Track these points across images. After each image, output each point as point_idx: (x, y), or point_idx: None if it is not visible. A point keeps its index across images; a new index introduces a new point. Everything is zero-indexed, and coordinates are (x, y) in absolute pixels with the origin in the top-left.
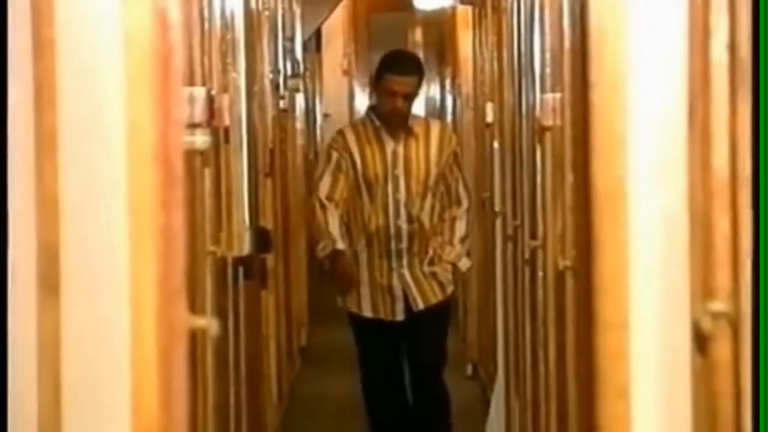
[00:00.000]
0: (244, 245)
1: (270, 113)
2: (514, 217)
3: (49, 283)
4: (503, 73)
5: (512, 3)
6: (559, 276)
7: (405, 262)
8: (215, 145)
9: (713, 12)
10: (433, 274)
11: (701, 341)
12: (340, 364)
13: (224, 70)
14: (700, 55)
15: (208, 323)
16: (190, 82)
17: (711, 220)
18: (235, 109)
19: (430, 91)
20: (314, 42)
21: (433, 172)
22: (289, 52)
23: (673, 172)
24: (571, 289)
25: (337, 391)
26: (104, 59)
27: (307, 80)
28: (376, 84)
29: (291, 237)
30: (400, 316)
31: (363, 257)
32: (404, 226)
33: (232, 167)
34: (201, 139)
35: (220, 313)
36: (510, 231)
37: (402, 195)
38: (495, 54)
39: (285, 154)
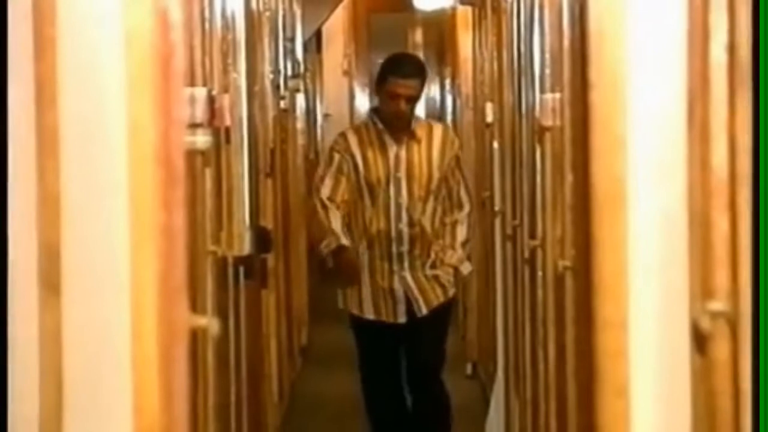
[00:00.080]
0: (244, 245)
1: (271, 113)
2: (514, 217)
3: (50, 282)
4: (503, 73)
5: (512, 3)
6: (559, 275)
7: (406, 265)
8: (216, 145)
9: (712, 13)
10: (435, 277)
11: (700, 340)
12: (340, 364)
13: (225, 71)
14: (699, 55)
15: (209, 323)
16: (191, 83)
17: (710, 219)
18: (236, 110)
19: (430, 91)
20: (315, 42)
21: (436, 175)
22: (290, 52)
23: (672, 172)
24: (570, 289)
25: (337, 390)
26: (105, 59)
27: (308, 80)
28: (379, 86)
29: (291, 237)
30: (402, 319)
31: (364, 259)
32: (405, 230)
33: (233, 167)
34: (202, 139)
35: (221, 312)
36: (509, 230)
37: (404, 198)
38: (495, 54)
39: (286, 154)
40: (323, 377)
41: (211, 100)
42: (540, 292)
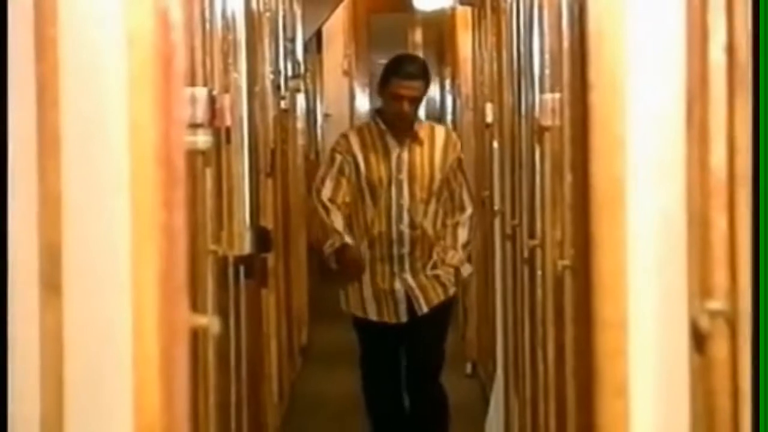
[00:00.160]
0: (244, 244)
1: (271, 113)
2: (513, 217)
3: (52, 282)
4: (502, 73)
5: (511, 4)
6: (558, 275)
7: (407, 266)
8: (216, 145)
9: (711, 13)
10: (436, 276)
11: (699, 339)
12: (340, 363)
13: (226, 71)
14: (697, 56)
15: (210, 322)
16: (192, 83)
17: (708, 219)
18: (237, 110)
19: (430, 91)
20: (315, 43)
21: (437, 177)
22: (290, 52)
23: (671, 172)
24: (569, 288)
25: (337, 390)
26: (106, 59)
27: (308, 81)
28: (382, 88)
29: (291, 236)
30: (404, 318)
31: (365, 260)
32: (406, 231)
33: (234, 167)
34: (202, 139)
35: (221, 311)
36: (509, 230)
37: (405, 200)
38: (494, 55)
39: (286, 154)
40: (323, 377)
41: (211, 101)
42: (539, 292)
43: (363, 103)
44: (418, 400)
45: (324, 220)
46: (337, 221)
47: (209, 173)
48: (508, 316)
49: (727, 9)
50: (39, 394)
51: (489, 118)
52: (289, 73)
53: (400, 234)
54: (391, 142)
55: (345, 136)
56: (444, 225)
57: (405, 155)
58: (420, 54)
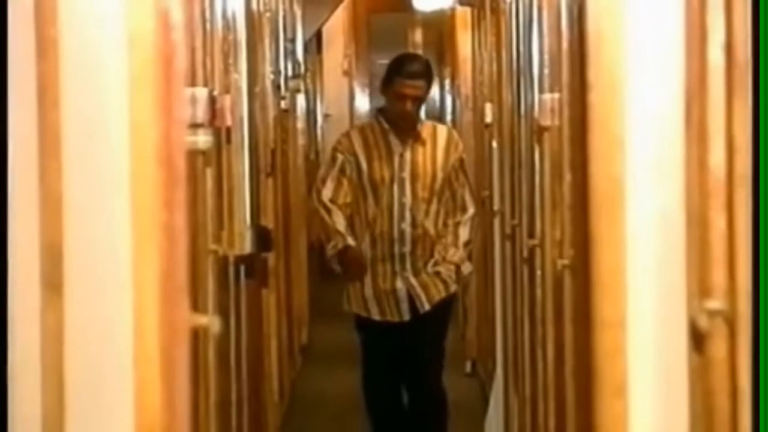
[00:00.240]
0: (245, 244)
1: (271, 113)
2: (513, 217)
3: (53, 282)
4: (502, 73)
5: (511, 4)
6: (557, 274)
7: (408, 265)
8: (217, 145)
9: (710, 14)
10: (437, 273)
11: (698, 339)
12: (341, 362)
13: (226, 71)
14: (696, 56)
15: (210, 321)
16: (193, 83)
17: (707, 219)
18: (237, 110)
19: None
20: (315, 43)
21: (439, 176)
22: (290, 53)
23: (670, 172)
24: (569, 288)
25: (338, 389)
26: (107, 59)
27: (308, 81)
28: (386, 87)
29: (292, 236)
30: (406, 316)
31: (367, 258)
32: (408, 230)
33: (234, 167)
34: (203, 139)
35: (222, 311)
36: (509, 230)
37: (408, 199)
38: (494, 55)
39: (286, 154)
40: (324, 376)
41: (212, 101)
42: (539, 291)
43: (363, 103)
44: (419, 398)
45: (326, 222)
46: (339, 222)
47: (210, 173)
48: (508, 315)
49: (726, 9)
50: (40, 394)
51: (488, 118)
52: (290, 73)
53: (402, 233)
54: (394, 141)
55: (347, 135)
56: (445, 225)
57: (407, 154)
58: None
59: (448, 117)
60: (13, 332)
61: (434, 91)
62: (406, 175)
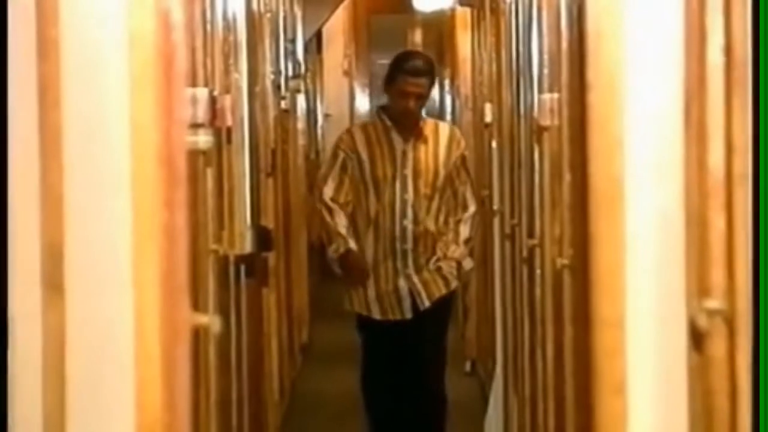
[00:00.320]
0: (245, 244)
1: (271, 113)
2: (512, 216)
3: (53, 282)
4: (502, 73)
5: (510, 5)
6: (557, 274)
7: (410, 262)
8: (217, 145)
9: (709, 14)
10: (438, 269)
11: (697, 338)
12: (341, 362)
13: (226, 71)
14: (695, 56)
15: (211, 321)
16: (193, 83)
17: (706, 219)
18: (237, 110)
19: None
20: (315, 43)
21: (441, 173)
22: (291, 53)
23: (670, 172)
24: (568, 287)
25: (338, 388)
26: (108, 60)
27: (308, 81)
28: (389, 84)
29: (292, 236)
30: (408, 315)
31: (369, 257)
32: (410, 227)
33: (234, 167)
34: (203, 139)
35: (222, 311)
36: (508, 230)
37: (410, 195)
38: (493, 55)
39: (286, 154)
40: (324, 375)
41: (212, 101)
42: (538, 291)
43: (363, 103)
44: (419, 397)
45: (327, 222)
46: (341, 224)
47: (210, 173)
48: (508, 314)
49: (725, 10)
50: (41, 394)
51: (488, 118)
52: (290, 73)
53: (404, 229)
54: (396, 138)
55: (349, 132)
56: (446, 222)
57: (410, 151)
58: None
59: (448, 117)
60: (13, 332)
61: (434, 91)
62: (408, 172)
